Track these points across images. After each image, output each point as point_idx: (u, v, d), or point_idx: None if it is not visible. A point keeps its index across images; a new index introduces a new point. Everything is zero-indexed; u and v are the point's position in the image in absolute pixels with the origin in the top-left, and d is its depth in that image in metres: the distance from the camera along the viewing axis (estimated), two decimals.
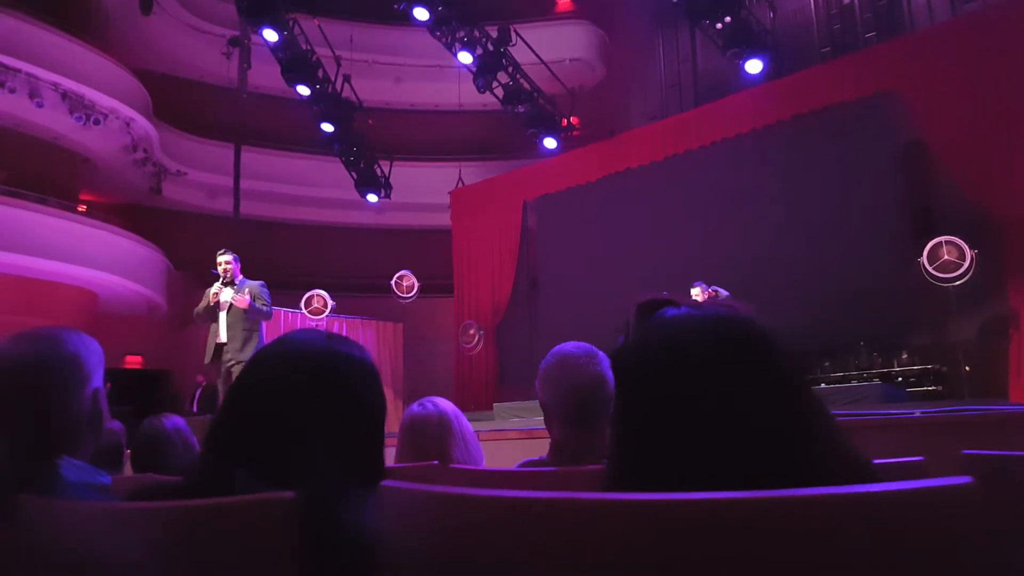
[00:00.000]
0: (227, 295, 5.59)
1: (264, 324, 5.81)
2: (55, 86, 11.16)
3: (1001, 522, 0.72)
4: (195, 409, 9.69)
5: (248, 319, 5.61)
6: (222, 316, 5.64)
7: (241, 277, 5.74)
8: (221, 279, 5.65)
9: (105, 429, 1.29)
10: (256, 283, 5.73)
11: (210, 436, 0.99)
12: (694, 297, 6.82)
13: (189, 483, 0.95)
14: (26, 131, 11.71)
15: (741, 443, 0.67)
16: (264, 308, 5.66)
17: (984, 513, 0.53)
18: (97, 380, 1.26)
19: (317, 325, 10.99)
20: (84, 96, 11.50)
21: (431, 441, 1.98)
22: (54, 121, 11.51)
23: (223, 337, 5.61)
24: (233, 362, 5.57)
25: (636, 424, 0.74)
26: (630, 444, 0.74)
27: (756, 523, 0.54)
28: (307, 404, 0.95)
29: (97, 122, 11.65)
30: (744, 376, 0.70)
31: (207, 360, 5.74)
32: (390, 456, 1.23)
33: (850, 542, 0.53)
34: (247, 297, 5.58)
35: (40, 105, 10.95)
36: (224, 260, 5.68)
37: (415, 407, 2.07)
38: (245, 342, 5.58)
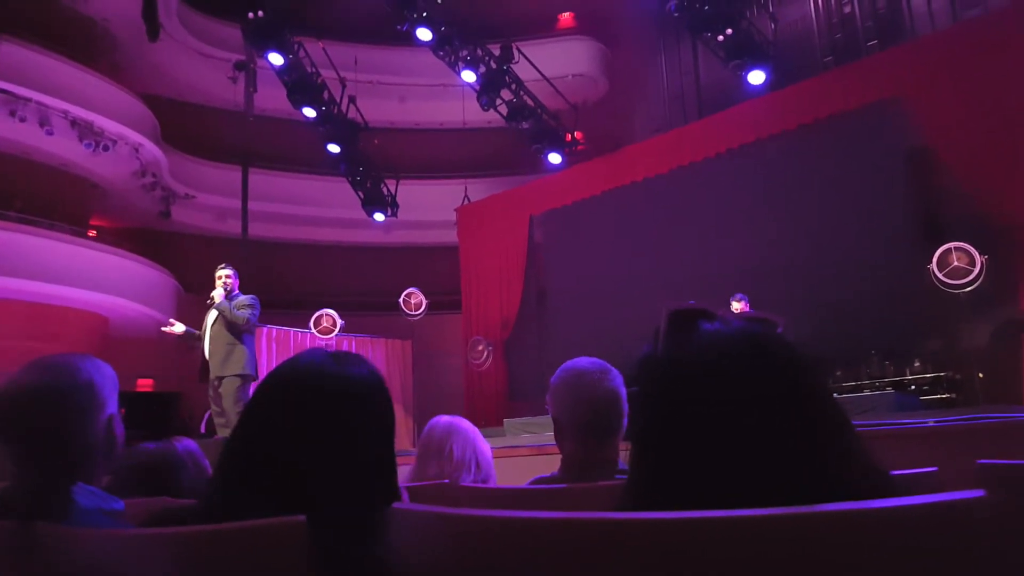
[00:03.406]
0: (218, 294, 5.68)
1: (251, 341, 5.81)
2: (64, 114, 11.30)
3: (1017, 534, 0.71)
4: (203, 430, 9.71)
5: (227, 331, 5.64)
6: (207, 333, 5.72)
7: (237, 292, 5.81)
8: (220, 291, 5.75)
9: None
10: (248, 296, 5.78)
11: (222, 460, 0.99)
12: (733, 309, 6.90)
13: (201, 508, 0.96)
14: (37, 159, 11.85)
15: (769, 461, 0.67)
16: (238, 312, 5.62)
17: (999, 525, 0.53)
18: (111, 406, 1.27)
19: (326, 344, 11.01)
20: (93, 123, 11.64)
21: (435, 443, 2.00)
22: (64, 148, 11.64)
23: (207, 352, 5.69)
24: (215, 378, 5.63)
25: (662, 439, 0.73)
26: (654, 459, 0.73)
27: (769, 541, 0.53)
28: (317, 428, 0.95)
29: (106, 148, 11.78)
30: (773, 394, 0.70)
31: (200, 378, 5.81)
32: (403, 473, 1.23)
33: (864, 558, 0.53)
34: (224, 296, 5.64)
35: (50, 133, 11.08)
36: (224, 274, 5.78)
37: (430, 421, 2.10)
38: (226, 357, 5.62)
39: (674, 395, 0.73)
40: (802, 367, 0.73)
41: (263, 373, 6.31)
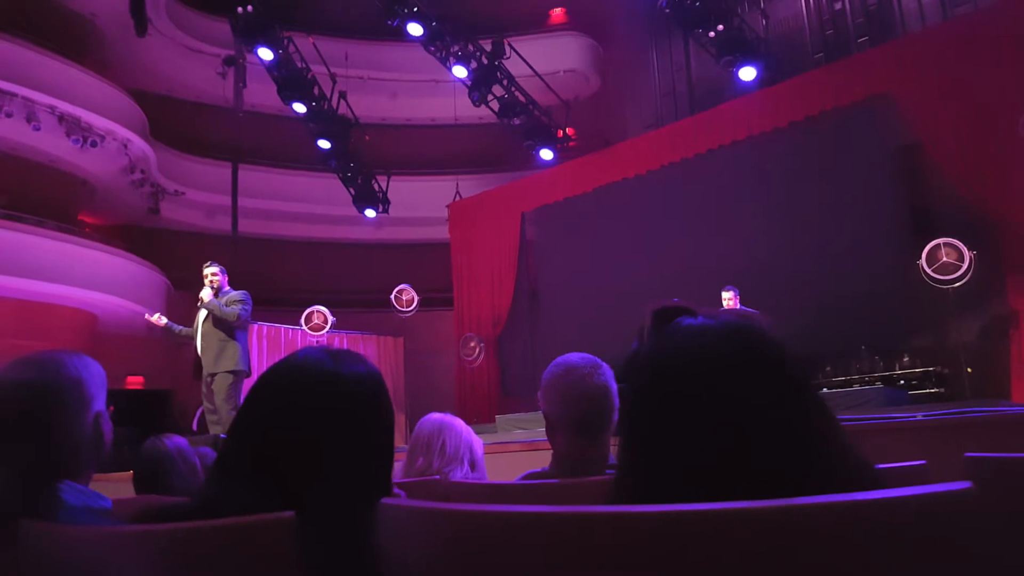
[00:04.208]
0: (206, 293, 5.70)
1: (244, 338, 5.81)
2: (52, 109, 11.19)
3: (1004, 525, 0.72)
4: (195, 428, 9.67)
5: (218, 328, 5.65)
6: (199, 330, 5.72)
7: (228, 288, 5.81)
8: (208, 289, 5.77)
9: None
10: (239, 292, 5.78)
11: (219, 457, 1.00)
12: (725, 302, 6.90)
13: (194, 504, 0.95)
14: (24, 155, 11.75)
15: (754, 452, 0.68)
16: (227, 309, 5.64)
17: (985, 517, 0.53)
18: (99, 404, 1.26)
19: (318, 341, 10.97)
20: (81, 119, 11.54)
21: (425, 439, 2.00)
22: (51, 144, 11.53)
23: (199, 350, 5.71)
24: (208, 375, 5.64)
25: (648, 433, 0.74)
26: (641, 453, 0.74)
27: (757, 533, 0.54)
28: (312, 426, 0.95)
29: (94, 144, 11.69)
30: (758, 387, 0.71)
31: (193, 375, 5.83)
32: (394, 469, 1.23)
33: (852, 549, 0.53)
34: (212, 295, 5.64)
35: (37, 129, 10.98)
36: (210, 272, 5.80)
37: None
38: (219, 354, 5.64)
39: (659, 389, 0.74)
40: (786, 361, 0.74)
41: (255, 370, 6.34)
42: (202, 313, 5.75)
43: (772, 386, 0.71)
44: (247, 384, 5.72)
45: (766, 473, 0.67)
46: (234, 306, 5.65)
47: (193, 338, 5.81)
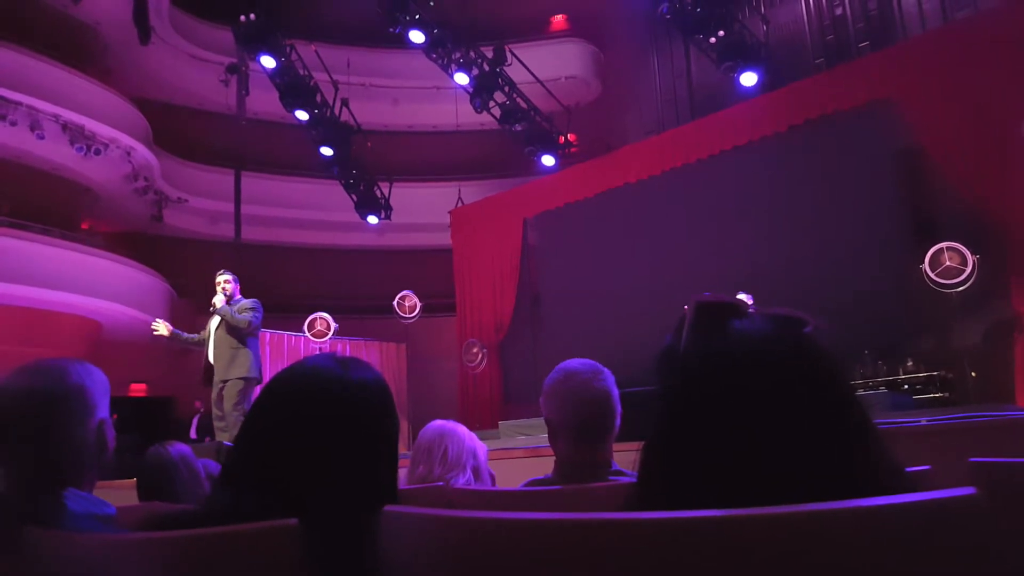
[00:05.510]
0: (219, 300, 5.75)
1: (255, 345, 5.84)
2: (55, 118, 11.25)
3: (1009, 530, 0.71)
4: (193, 435, 9.69)
5: (230, 335, 5.68)
6: (211, 337, 5.76)
7: (239, 297, 5.85)
8: (221, 296, 5.81)
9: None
10: (250, 300, 5.83)
11: (226, 464, 1.00)
12: None
13: (200, 511, 0.95)
14: (28, 163, 11.80)
15: (797, 462, 0.66)
16: (239, 316, 5.69)
17: (991, 522, 0.53)
18: (102, 411, 1.26)
19: (321, 348, 10.98)
20: (84, 127, 11.59)
21: (425, 446, 2.01)
22: (55, 152, 11.58)
23: (211, 356, 5.74)
24: (220, 381, 5.67)
25: (684, 436, 0.70)
26: (676, 456, 0.70)
27: (762, 541, 0.53)
28: (319, 433, 0.95)
29: (98, 152, 11.73)
30: (806, 398, 0.68)
31: (204, 382, 5.86)
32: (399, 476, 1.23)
33: (859, 555, 0.53)
34: (225, 301, 5.67)
35: (41, 137, 11.03)
36: (223, 280, 5.85)
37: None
38: (231, 361, 5.69)
39: (701, 391, 0.70)
40: (834, 371, 0.71)
41: (265, 377, 6.35)
42: (214, 320, 5.80)
43: (819, 396, 0.69)
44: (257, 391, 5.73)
45: (807, 482, 0.64)
46: (245, 313, 5.71)
47: (203, 344, 5.84)
